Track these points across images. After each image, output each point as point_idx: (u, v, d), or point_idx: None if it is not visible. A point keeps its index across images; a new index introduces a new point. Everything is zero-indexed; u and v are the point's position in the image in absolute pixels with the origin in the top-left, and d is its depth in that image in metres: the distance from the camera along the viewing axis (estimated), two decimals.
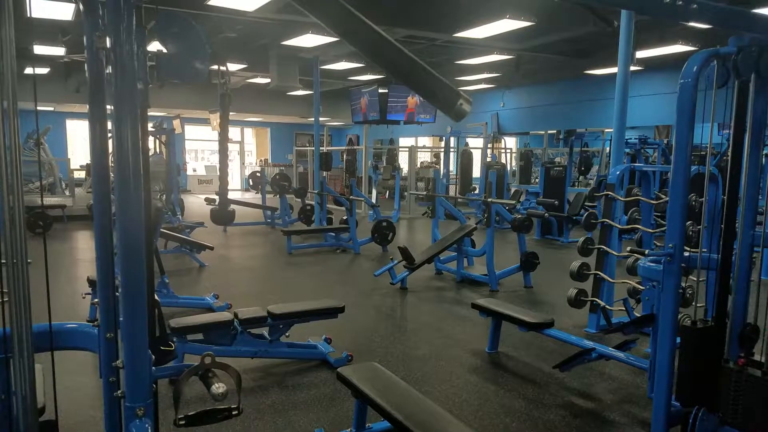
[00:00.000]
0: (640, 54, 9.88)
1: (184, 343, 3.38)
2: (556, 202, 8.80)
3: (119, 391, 1.36)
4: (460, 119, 1.49)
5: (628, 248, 3.64)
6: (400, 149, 18.37)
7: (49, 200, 9.97)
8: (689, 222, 2.87)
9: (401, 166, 16.34)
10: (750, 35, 2.29)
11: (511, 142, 17.50)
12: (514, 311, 3.98)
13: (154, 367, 1.46)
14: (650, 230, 4.32)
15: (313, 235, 9.14)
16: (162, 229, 6.19)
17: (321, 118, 11.70)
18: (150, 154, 12.86)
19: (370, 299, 5.64)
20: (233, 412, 1.63)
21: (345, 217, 8.56)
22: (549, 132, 14.42)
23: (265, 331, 3.65)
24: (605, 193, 4.44)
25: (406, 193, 12.94)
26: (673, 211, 2.68)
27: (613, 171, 4.55)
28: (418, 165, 17.14)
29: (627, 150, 11.10)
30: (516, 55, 10.88)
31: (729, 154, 2.52)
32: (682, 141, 2.59)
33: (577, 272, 4.31)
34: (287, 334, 3.71)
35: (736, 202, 2.55)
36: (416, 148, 15.69)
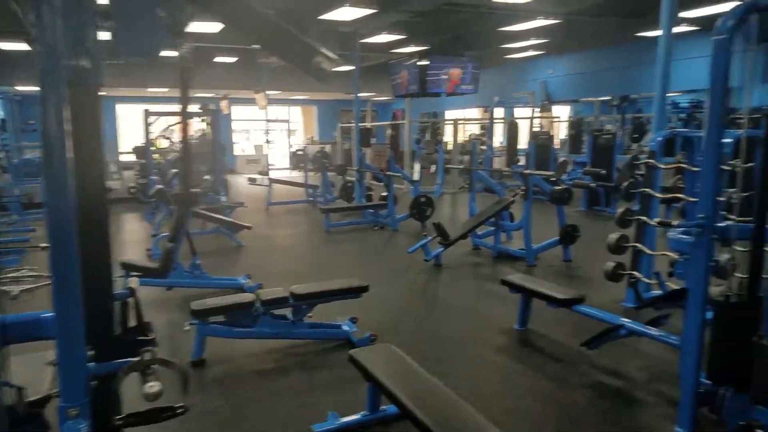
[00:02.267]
0: (696, 13, 9.14)
1: (205, 326, 3.41)
2: (603, 172, 8.33)
3: (53, 390, 1.30)
4: (321, 79, 1.36)
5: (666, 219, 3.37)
6: (446, 122, 17.98)
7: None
8: (733, 189, 2.62)
9: (445, 140, 16.01)
10: None
11: (563, 110, 16.75)
12: (543, 287, 3.82)
13: (93, 363, 1.38)
14: (692, 199, 4.00)
15: (352, 212, 9.10)
16: (201, 210, 6.30)
17: (365, 94, 11.55)
18: (197, 135, 13.21)
19: (403, 277, 5.59)
20: (178, 411, 1.52)
21: (385, 194, 8.49)
22: (601, 99, 13.70)
23: (288, 312, 3.66)
24: (645, 161, 4.14)
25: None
26: (705, 180, 2.46)
27: (655, 137, 4.25)
28: (466, 138, 16.72)
29: (682, 115, 10.40)
30: (564, 19, 10.31)
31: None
32: (717, 103, 2.36)
33: (615, 245, 4.05)
34: (310, 314, 3.70)
35: None
36: (459, 120, 15.27)
